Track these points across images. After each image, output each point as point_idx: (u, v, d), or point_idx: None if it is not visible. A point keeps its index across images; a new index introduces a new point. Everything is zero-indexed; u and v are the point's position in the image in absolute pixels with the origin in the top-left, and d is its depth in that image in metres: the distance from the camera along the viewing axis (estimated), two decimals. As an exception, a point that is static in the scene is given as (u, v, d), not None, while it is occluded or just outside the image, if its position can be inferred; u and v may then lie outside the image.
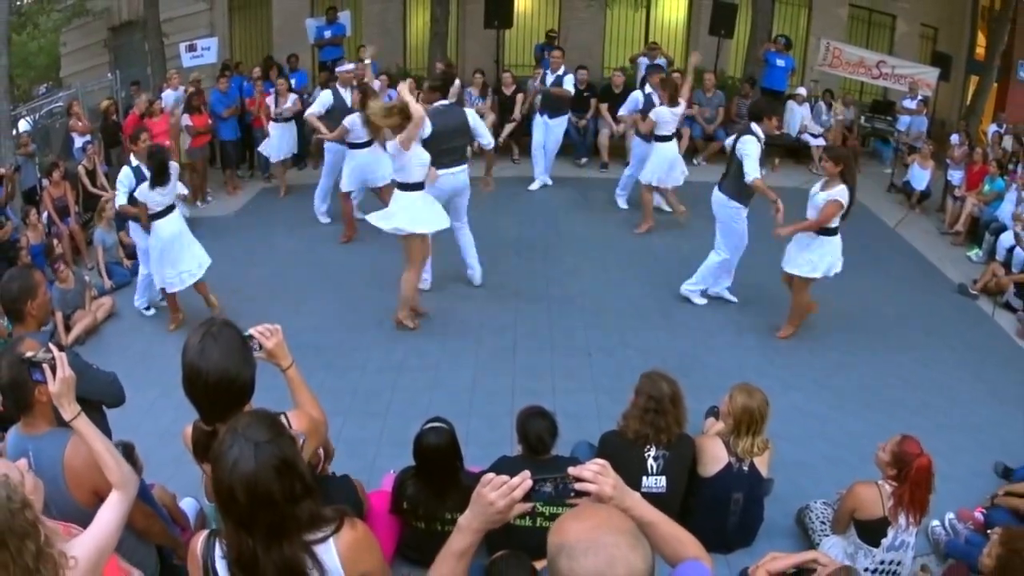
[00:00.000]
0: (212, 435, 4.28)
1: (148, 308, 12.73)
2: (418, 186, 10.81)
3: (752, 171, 11.28)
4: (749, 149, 11.35)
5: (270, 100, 18.19)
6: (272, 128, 17.86)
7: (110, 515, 4.24)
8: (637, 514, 3.31)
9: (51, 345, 4.57)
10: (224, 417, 4.17)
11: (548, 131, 17.47)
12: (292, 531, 3.54)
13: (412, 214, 10.88)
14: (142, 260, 12.31)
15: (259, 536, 3.48)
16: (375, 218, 11.12)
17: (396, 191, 10.99)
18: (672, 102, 14.38)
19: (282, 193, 18.12)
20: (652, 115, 14.58)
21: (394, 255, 11.66)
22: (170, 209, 11.47)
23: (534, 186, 18.03)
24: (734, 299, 12.69)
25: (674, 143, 15.09)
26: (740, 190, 11.57)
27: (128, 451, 7.40)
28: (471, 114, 11.80)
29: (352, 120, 13.92)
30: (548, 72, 17.20)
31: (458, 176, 11.78)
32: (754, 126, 11.47)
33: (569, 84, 17.27)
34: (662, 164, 14.88)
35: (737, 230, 11.83)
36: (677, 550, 3.52)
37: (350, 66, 15.44)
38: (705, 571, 3.45)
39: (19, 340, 4.85)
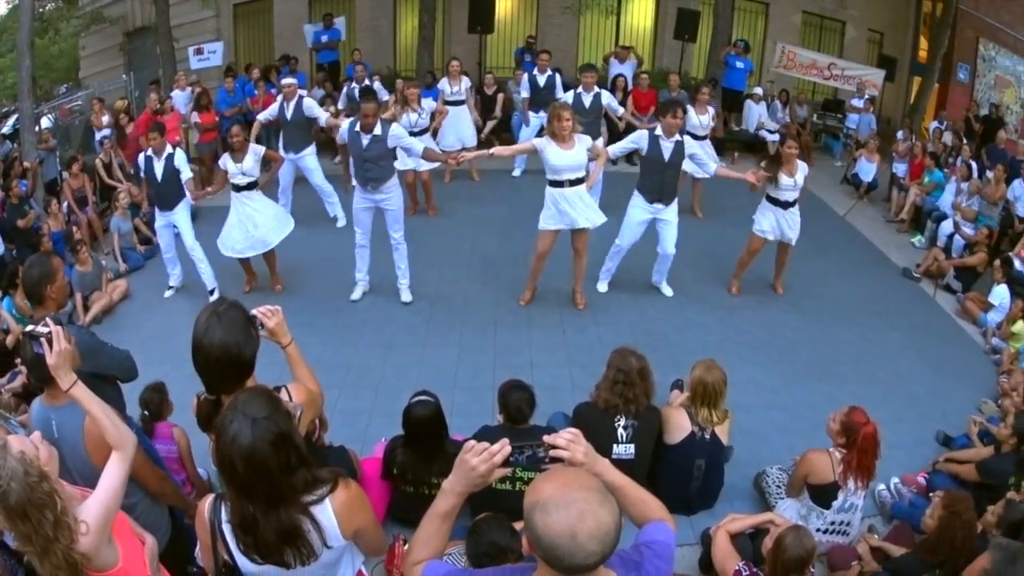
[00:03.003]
0: (216, 405, 4.32)
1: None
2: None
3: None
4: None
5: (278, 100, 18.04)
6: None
7: (111, 477, 4.25)
8: (606, 479, 3.33)
9: (49, 319, 4.56)
10: (227, 389, 4.22)
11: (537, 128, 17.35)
12: (289, 498, 3.59)
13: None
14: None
15: (258, 502, 3.54)
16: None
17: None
18: None
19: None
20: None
21: (381, 245, 11.63)
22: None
23: (516, 172, 18.15)
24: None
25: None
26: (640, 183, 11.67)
27: (159, 388, 7.78)
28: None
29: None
30: (537, 72, 17.16)
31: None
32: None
33: (560, 87, 17.11)
34: None
35: (627, 215, 11.87)
36: (643, 512, 3.55)
37: (292, 80, 15.28)
38: (669, 531, 3.47)
39: (41, 320, 4.83)
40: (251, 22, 25.45)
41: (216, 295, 12.22)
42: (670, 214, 11.62)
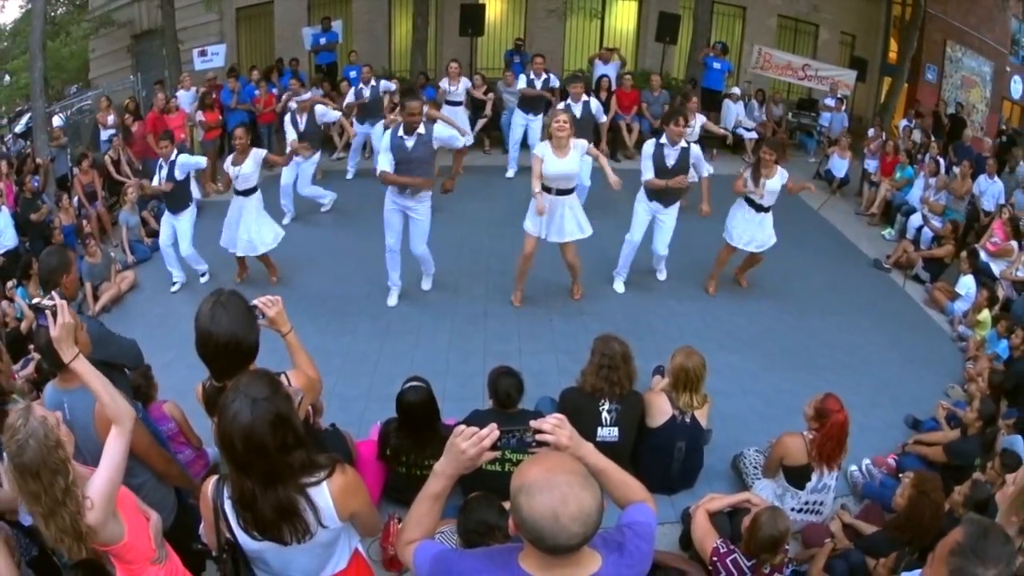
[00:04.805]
0: (222, 391, 4.25)
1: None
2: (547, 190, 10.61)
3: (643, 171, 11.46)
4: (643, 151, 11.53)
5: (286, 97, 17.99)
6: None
7: (113, 452, 4.28)
8: (590, 462, 3.35)
9: (55, 294, 4.59)
10: (232, 375, 4.18)
11: (528, 127, 17.40)
12: (285, 477, 3.61)
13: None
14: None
15: (256, 480, 3.57)
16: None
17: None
18: None
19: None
20: None
21: (377, 237, 11.59)
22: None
23: (510, 173, 17.86)
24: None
25: None
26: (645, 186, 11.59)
27: (145, 369, 7.71)
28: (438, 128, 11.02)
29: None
30: (532, 76, 17.07)
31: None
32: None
33: (556, 85, 17.28)
34: None
35: (634, 212, 11.79)
36: (626, 494, 3.56)
37: (306, 96, 15.22)
38: (650, 513, 3.47)
39: (48, 295, 4.85)
40: (252, 25, 25.40)
41: (207, 278, 12.57)
42: (667, 216, 11.64)
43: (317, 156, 15.05)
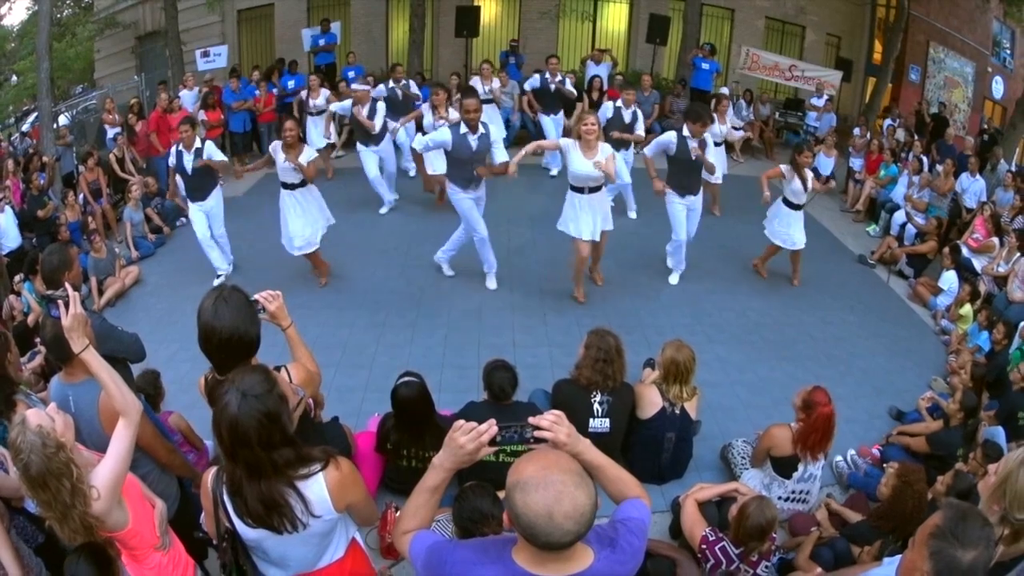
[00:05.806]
0: (223, 384, 4.28)
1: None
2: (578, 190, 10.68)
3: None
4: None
5: (303, 95, 18.08)
6: (308, 121, 17.46)
7: (119, 443, 4.29)
8: (587, 459, 3.36)
9: (68, 286, 4.59)
10: (234, 368, 4.17)
11: (553, 126, 17.51)
12: (267, 472, 3.65)
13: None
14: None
15: (241, 469, 3.65)
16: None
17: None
18: None
19: (329, 175, 17.22)
20: None
21: (377, 232, 11.60)
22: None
23: (553, 172, 17.89)
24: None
25: None
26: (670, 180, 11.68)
27: (154, 377, 7.69)
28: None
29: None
30: (548, 77, 17.15)
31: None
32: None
33: (570, 86, 17.37)
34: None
35: (671, 213, 11.83)
36: (621, 490, 3.56)
37: (365, 87, 15.19)
38: (644, 508, 3.48)
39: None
40: (253, 26, 25.40)
41: (222, 279, 12.28)
42: (698, 203, 11.85)
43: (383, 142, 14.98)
